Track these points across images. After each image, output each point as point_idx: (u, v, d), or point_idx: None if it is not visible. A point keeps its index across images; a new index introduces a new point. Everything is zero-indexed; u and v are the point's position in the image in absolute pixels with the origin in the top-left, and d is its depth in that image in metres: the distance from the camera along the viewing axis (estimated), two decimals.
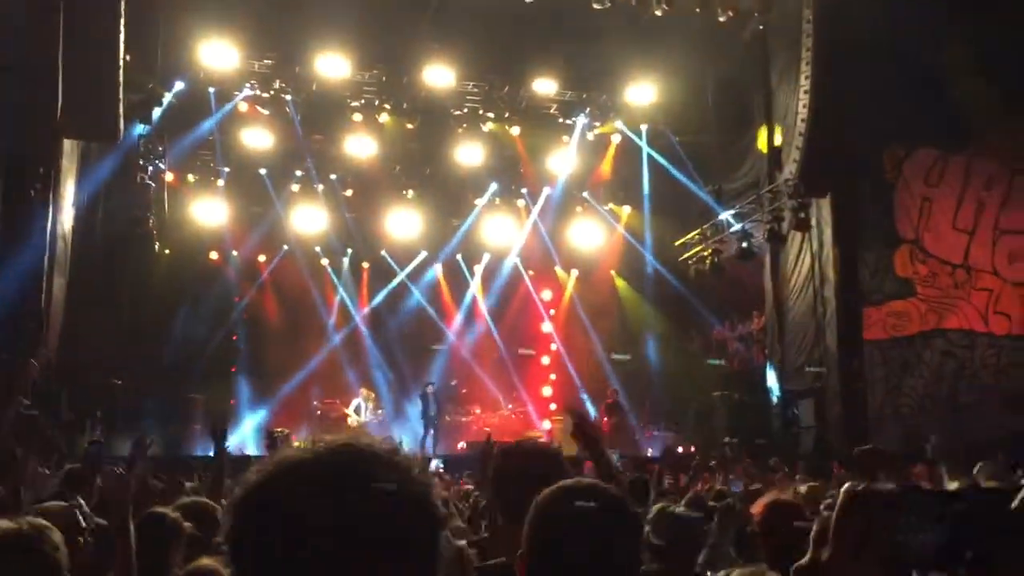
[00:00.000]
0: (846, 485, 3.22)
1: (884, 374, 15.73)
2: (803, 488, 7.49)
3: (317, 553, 1.14)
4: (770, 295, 17.75)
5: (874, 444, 13.71)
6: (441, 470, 12.36)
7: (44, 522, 2.80)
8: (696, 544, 4.27)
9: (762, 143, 17.60)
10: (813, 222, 16.16)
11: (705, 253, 18.69)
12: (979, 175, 16.07)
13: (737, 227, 17.70)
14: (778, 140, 17.00)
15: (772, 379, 17.55)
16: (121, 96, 13.87)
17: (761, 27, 16.82)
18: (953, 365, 15.72)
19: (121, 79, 13.82)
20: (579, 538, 1.97)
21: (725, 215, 18.24)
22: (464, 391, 20.23)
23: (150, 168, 16.53)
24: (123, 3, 13.65)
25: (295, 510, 1.16)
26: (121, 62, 13.70)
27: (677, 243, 19.89)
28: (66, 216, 13.89)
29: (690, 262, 19.29)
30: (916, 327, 15.87)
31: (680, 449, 16.62)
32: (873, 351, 15.77)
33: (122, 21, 13.61)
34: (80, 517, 3.71)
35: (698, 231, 19.19)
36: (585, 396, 20.25)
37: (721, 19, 15.81)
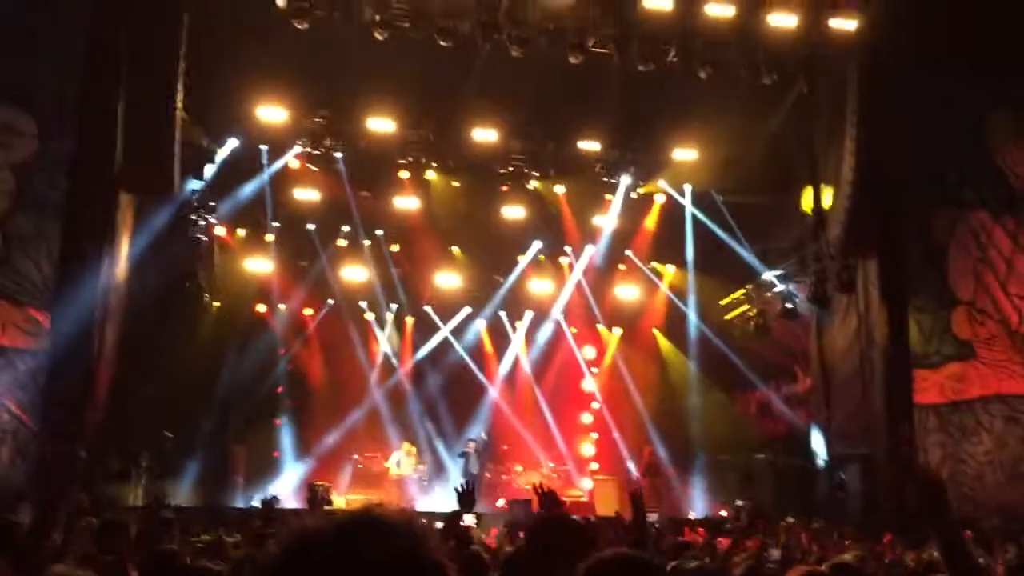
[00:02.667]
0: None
1: (940, 439, 15.37)
2: (848, 556, 7.32)
3: None
4: (816, 357, 17.53)
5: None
6: (475, 525, 12.26)
7: None
8: None
9: (807, 204, 17.55)
10: (860, 283, 15.99)
11: (750, 313, 18.56)
12: None
13: (781, 287, 17.57)
14: (825, 201, 16.94)
15: (818, 442, 17.23)
16: (177, 151, 14.27)
17: (806, 89, 16.88)
18: (1019, 432, 15.35)
19: (178, 135, 14.23)
20: None
21: (770, 275, 18.14)
22: (505, 448, 20.12)
23: (202, 222, 16.90)
24: (182, 62, 14.13)
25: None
26: (178, 119, 14.12)
27: (722, 303, 19.78)
28: (120, 268, 14.21)
29: (734, 322, 19.15)
30: (977, 391, 15.55)
31: (724, 512, 16.34)
32: (929, 415, 15.45)
33: (181, 78, 14.07)
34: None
35: (742, 291, 19.09)
36: (626, 455, 20.03)
37: (766, 81, 15.91)
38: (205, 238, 17.20)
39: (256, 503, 13.24)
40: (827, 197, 16.85)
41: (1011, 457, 15.32)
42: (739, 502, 16.10)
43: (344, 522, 1.26)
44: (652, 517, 14.01)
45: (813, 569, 3.79)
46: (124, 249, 14.38)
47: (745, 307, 18.96)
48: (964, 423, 15.52)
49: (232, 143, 17.65)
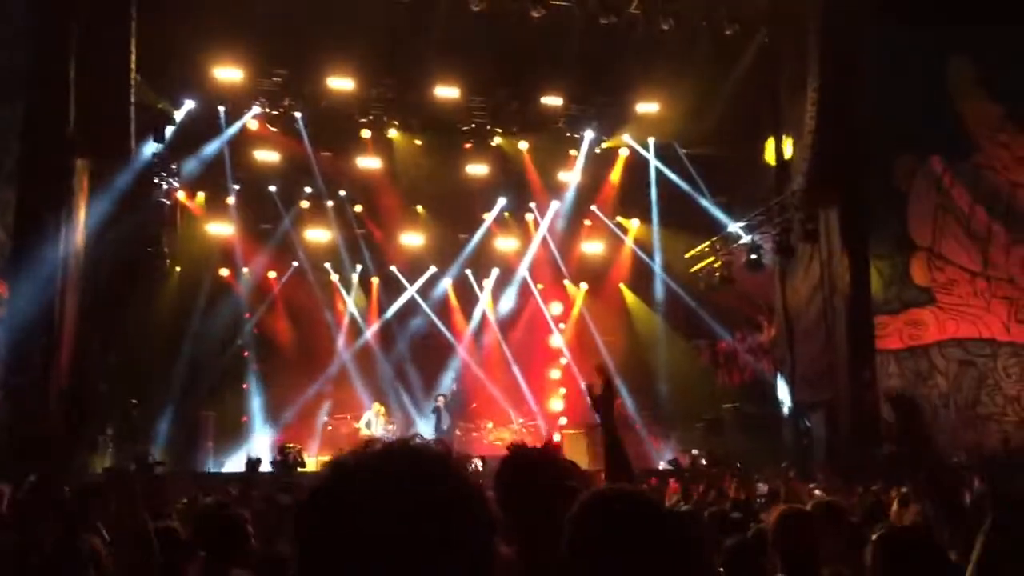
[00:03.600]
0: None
1: (900, 384, 15.69)
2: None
3: (378, 554, 1.16)
4: (780, 306, 17.73)
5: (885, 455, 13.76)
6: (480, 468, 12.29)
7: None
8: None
9: (770, 155, 17.63)
10: (822, 232, 16.15)
11: (715, 265, 18.70)
12: (986, 184, 16.15)
13: (746, 239, 17.71)
14: (787, 151, 17.03)
15: (783, 391, 17.50)
16: (132, 115, 13.97)
17: (767, 39, 16.87)
18: (974, 374, 15.69)
19: (132, 97, 13.92)
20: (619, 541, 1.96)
21: (734, 227, 18.27)
22: (474, 405, 20.22)
23: (163, 186, 16.62)
24: (134, 23, 13.78)
25: (357, 512, 1.19)
26: (132, 81, 13.80)
27: (687, 255, 19.91)
28: (78, 235, 13.96)
29: (699, 274, 19.30)
30: (933, 336, 15.87)
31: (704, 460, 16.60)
32: (888, 360, 15.74)
33: (133, 40, 13.72)
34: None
35: (707, 243, 19.23)
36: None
37: (727, 32, 15.87)
38: (167, 202, 16.93)
39: (227, 467, 13.26)
40: (789, 147, 16.94)
41: (966, 399, 15.68)
42: (694, 451, 16.38)
43: (388, 453, 1.26)
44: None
45: (794, 507, 3.85)
46: (82, 215, 14.10)
47: (710, 259, 19.10)
48: (919, 368, 15.85)
49: (189, 105, 17.32)
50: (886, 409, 15.10)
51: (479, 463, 12.61)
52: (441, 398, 18.38)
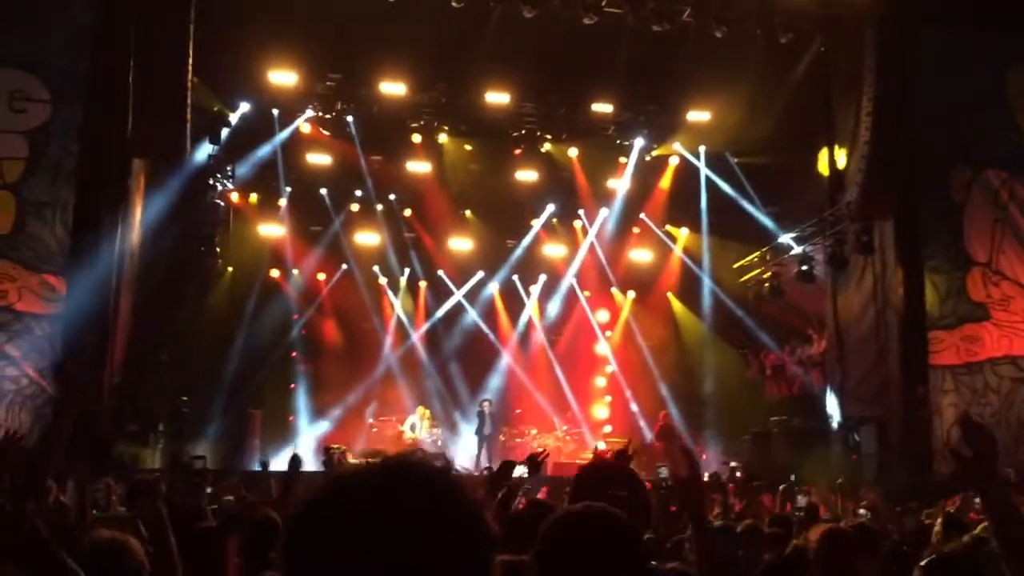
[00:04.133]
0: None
1: (954, 400, 15.35)
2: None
3: (369, 569, 1.15)
4: (831, 319, 17.45)
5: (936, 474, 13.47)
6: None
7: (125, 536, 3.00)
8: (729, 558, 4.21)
9: (823, 165, 17.38)
10: (876, 245, 15.88)
11: (764, 276, 18.48)
12: None
13: (797, 250, 17.48)
14: (840, 162, 16.78)
15: (832, 405, 17.22)
16: (189, 116, 14.22)
17: (822, 48, 16.64)
18: None
19: (189, 100, 14.17)
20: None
21: (785, 238, 18.04)
22: (518, 411, 20.21)
23: (217, 187, 16.90)
24: (192, 26, 14.03)
25: (348, 526, 1.18)
26: (189, 83, 14.05)
27: (736, 266, 19.71)
28: (134, 234, 14.24)
29: (749, 285, 19.09)
30: (988, 352, 15.51)
31: (738, 475, 16.39)
32: (944, 376, 15.40)
33: (190, 43, 13.98)
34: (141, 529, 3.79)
35: (757, 254, 19.01)
36: (640, 418, 20.10)
37: (782, 40, 15.69)
38: (221, 203, 17.21)
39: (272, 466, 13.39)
40: (843, 158, 16.68)
41: (1017, 418, 15.30)
42: (732, 463, 16.18)
43: (382, 467, 1.25)
44: (663, 472, 14.06)
45: (838, 527, 3.80)
46: (138, 215, 14.39)
47: (760, 270, 18.88)
48: (975, 384, 15.49)
49: (243, 107, 17.59)
50: (956, 434, 14.82)
51: (525, 472, 12.58)
52: (487, 403, 18.41)
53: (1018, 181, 15.81)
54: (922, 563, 2.77)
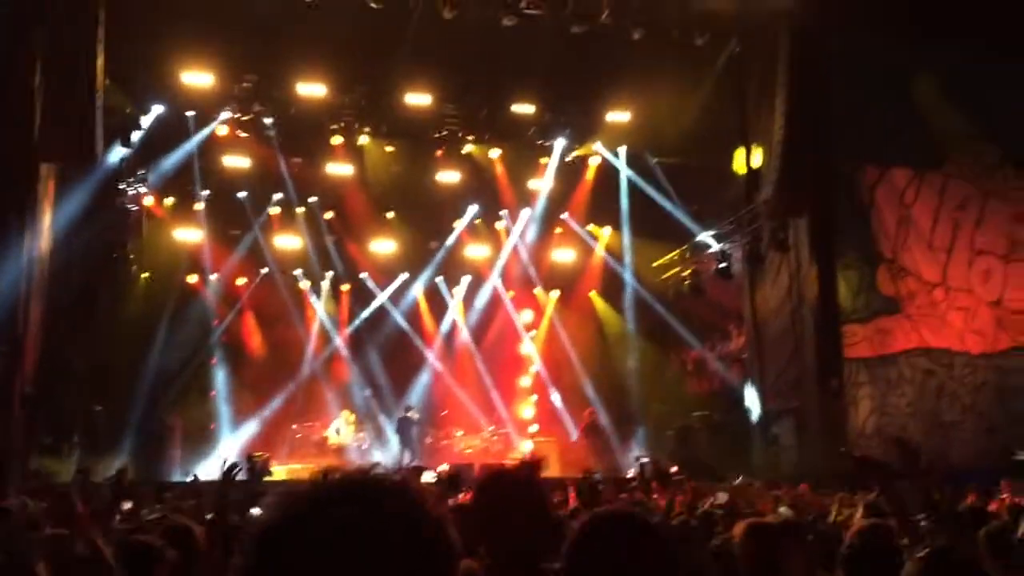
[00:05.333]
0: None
1: (870, 392, 15.85)
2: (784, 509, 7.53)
3: None
4: (749, 315, 17.85)
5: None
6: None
7: None
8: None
9: (740, 164, 17.77)
10: (791, 242, 16.30)
11: (684, 274, 18.81)
12: (953, 195, 16.38)
13: (716, 247, 17.83)
14: (756, 161, 17.17)
15: (752, 398, 17.62)
16: (99, 119, 13.80)
17: (738, 49, 17.02)
18: (935, 383, 15.90)
19: (99, 102, 13.75)
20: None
21: (704, 236, 18.38)
22: (444, 413, 20.16)
23: (129, 192, 16.44)
24: (102, 27, 13.62)
25: (309, 548, 1.15)
26: (100, 85, 13.64)
27: (656, 264, 20.01)
28: (43, 240, 13.78)
29: (670, 282, 19.40)
30: (900, 345, 16.05)
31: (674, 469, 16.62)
32: (859, 368, 15.89)
33: (101, 44, 13.57)
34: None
35: (677, 252, 19.33)
36: (566, 416, 20.24)
37: (698, 42, 15.99)
38: (133, 207, 16.75)
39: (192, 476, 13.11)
40: (758, 157, 17.08)
41: (929, 409, 15.88)
42: (642, 459, 16.43)
43: (341, 486, 1.23)
44: (598, 475, 14.21)
45: (760, 521, 3.87)
46: (47, 220, 13.91)
47: (679, 268, 19.21)
48: (889, 375, 16.02)
49: (158, 109, 17.16)
50: (888, 451, 15.29)
51: (433, 478, 12.60)
52: (412, 410, 18.38)
53: (924, 179, 16.42)
54: (919, 555, 2.85)
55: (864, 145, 16.16)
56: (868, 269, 16.27)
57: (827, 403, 15.52)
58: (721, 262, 17.43)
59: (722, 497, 7.85)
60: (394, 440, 18.79)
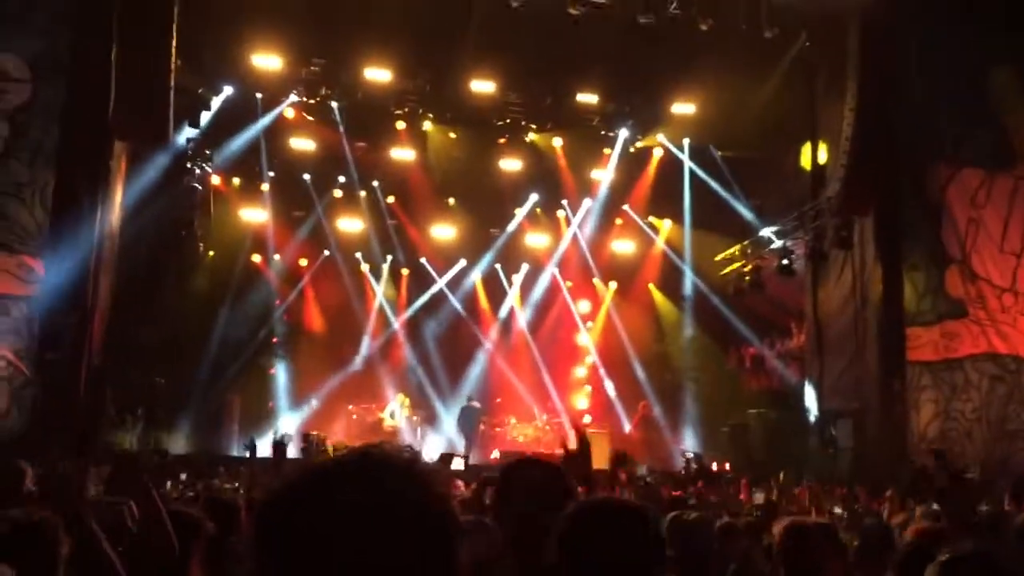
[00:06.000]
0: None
1: (934, 396, 15.49)
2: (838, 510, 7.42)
3: (333, 563, 1.17)
4: (810, 313, 17.58)
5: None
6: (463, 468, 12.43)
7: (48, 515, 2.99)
8: (706, 552, 4.26)
9: (806, 160, 17.48)
10: (856, 240, 15.99)
11: (745, 269, 18.58)
12: None
13: (778, 244, 17.57)
14: (822, 157, 16.87)
15: (810, 398, 17.36)
16: (171, 99, 14.11)
17: (808, 43, 16.70)
18: (1003, 390, 15.49)
19: (172, 83, 14.06)
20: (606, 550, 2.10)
21: (766, 232, 18.13)
22: (498, 400, 20.26)
23: (197, 171, 16.79)
24: (176, 7, 13.92)
25: (313, 520, 1.19)
26: (172, 66, 13.94)
27: (717, 258, 19.80)
28: (114, 216, 14.15)
29: (730, 277, 19.18)
30: (967, 349, 15.65)
31: (715, 466, 16.50)
32: (922, 372, 15.54)
33: (174, 25, 13.86)
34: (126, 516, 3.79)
35: (738, 247, 19.10)
36: (620, 409, 20.19)
37: (767, 35, 15.73)
38: (200, 187, 17.11)
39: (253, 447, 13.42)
40: (825, 154, 16.78)
41: (996, 415, 15.47)
42: (688, 453, 16.28)
43: (344, 463, 1.25)
44: (642, 470, 14.20)
45: (799, 520, 3.84)
46: (118, 197, 14.28)
47: (740, 263, 18.98)
48: (955, 380, 15.63)
49: (227, 91, 17.47)
50: (934, 429, 15.00)
51: (462, 464, 12.68)
52: (474, 400, 18.62)
53: (995, 181, 15.95)
54: (940, 559, 2.82)
55: (936, 143, 15.75)
56: (936, 271, 15.86)
57: (888, 406, 15.23)
58: (783, 259, 17.17)
59: (759, 498, 7.77)
60: (450, 425, 18.98)
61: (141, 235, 15.12)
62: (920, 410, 15.44)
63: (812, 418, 17.20)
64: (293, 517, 1.21)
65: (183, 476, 7.44)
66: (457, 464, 13.31)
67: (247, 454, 13.54)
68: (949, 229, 15.83)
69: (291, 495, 1.23)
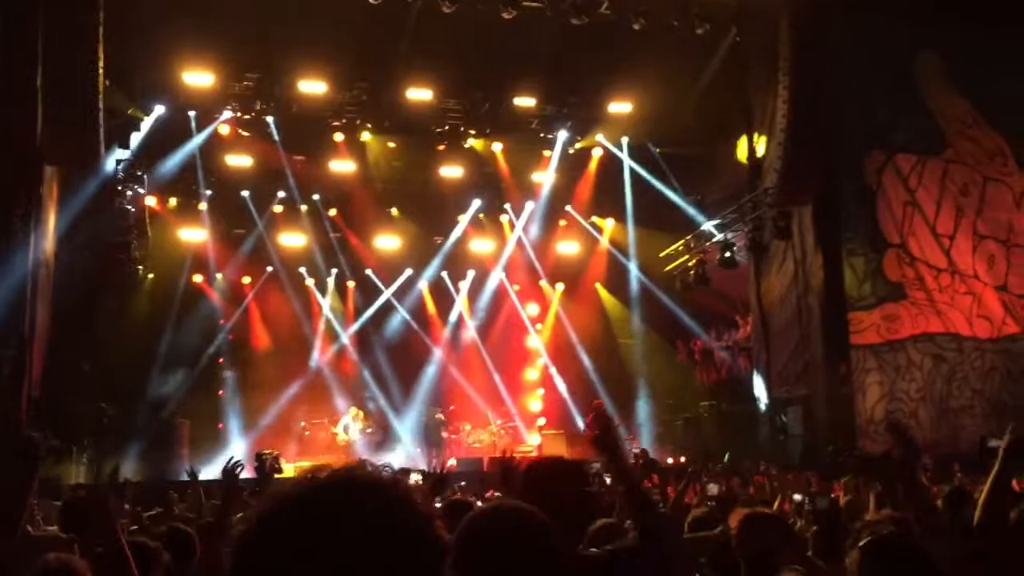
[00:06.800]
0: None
1: (879, 378, 15.81)
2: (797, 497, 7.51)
3: None
4: (755, 304, 17.83)
5: (863, 450, 13.88)
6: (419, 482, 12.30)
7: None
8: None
9: (742, 153, 17.73)
10: (795, 230, 16.26)
11: (690, 264, 18.78)
12: (955, 181, 16.33)
13: (719, 237, 17.80)
14: (759, 150, 17.13)
15: (759, 387, 17.60)
16: (101, 121, 13.82)
17: (738, 38, 16.96)
18: (944, 369, 15.87)
19: (101, 104, 13.77)
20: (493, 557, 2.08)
21: (708, 225, 18.35)
22: (452, 407, 20.18)
23: (129, 193, 16.46)
24: (101, 28, 13.63)
25: (293, 548, 1.15)
26: (100, 87, 13.65)
27: (661, 254, 19.98)
28: (48, 243, 13.81)
29: (675, 273, 19.37)
30: (908, 330, 16.00)
31: (670, 460, 16.65)
32: (867, 355, 15.85)
33: (100, 46, 13.57)
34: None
35: (682, 242, 19.30)
36: (573, 409, 20.25)
37: (698, 31, 15.94)
38: (133, 209, 16.76)
39: (204, 475, 13.13)
40: (761, 146, 17.04)
41: (940, 394, 15.85)
42: (635, 449, 16.43)
43: (325, 486, 1.22)
44: (597, 466, 14.22)
45: (755, 510, 3.88)
46: (51, 223, 13.95)
47: (685, 258, 19.18)
48: (898, 362, 15.98)
49: (159, 110, 17.17)
50: (881, 411, 15.27)
51: (419, 479, 12.60)
52: (439, 413, 18.50)
53: (927, 165, 16.37)
54: (861, 544, 2.86)
55: (869, 131, 16.10)
56: (875, 255, 16.21)
57: (835, 391, 15.50)
58: (725, 251, 17.39)
59: (713, 489, 7.84)
60: (406, 438, 18.85)
61: (76, 261, 14.76)
62: (866, 393, 15.75)
63: (763, 407, 17.44)
64: (269, 545, 1.17)
65: (137, 507, 7.30)
66: (415, 478, 13.16)
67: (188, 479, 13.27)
68: (885, 214, 16.19)
69: (266, 522, 1.19)
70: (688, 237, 19.10)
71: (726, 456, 12.83)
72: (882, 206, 16.22)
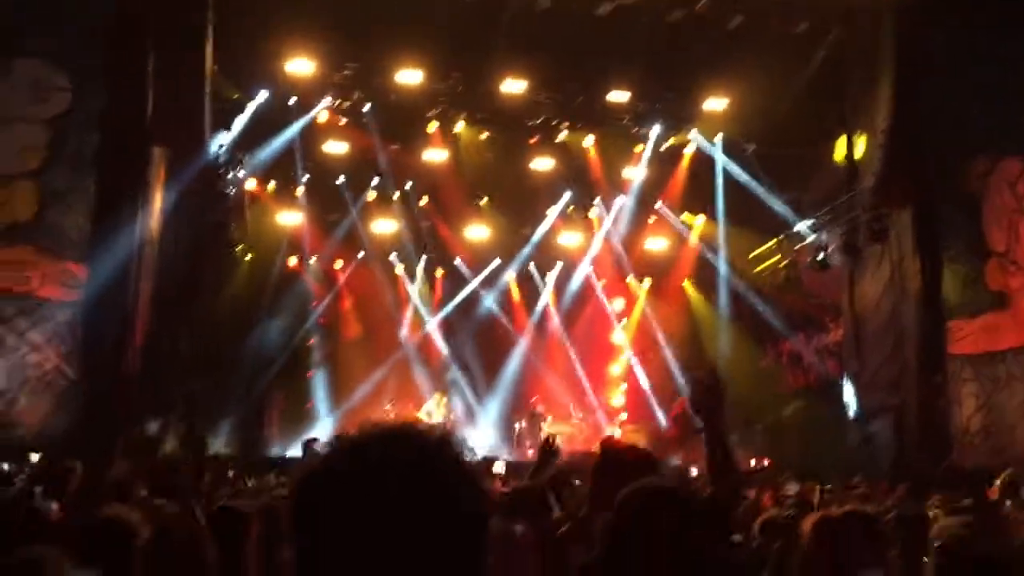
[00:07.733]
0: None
1: (974, 390, 15.27)
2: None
3: (369, 533, 1.21)
4: (847, 307, 17.40)
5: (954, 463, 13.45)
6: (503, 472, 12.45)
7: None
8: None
9: (840, 154, 17.31)
10: (892, 234, 15.82)
11: (781, 264, 18.45)
12: None
13: (813, 238, 17.44)
14: (858, 151, 16.71)
15: (849, 393, 17.20)
16: (207, 105, 14.32)
17: (840, 36, 16.55)
18: None
19: (208, 88, 14.26)
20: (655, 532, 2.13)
21: (801, 226, 17.99)
22: (534, 399, 20.29)
23: (230, 175, 17.00)
24: (210, 14, 14.11)
25: (349, 490, 1.23)
26: (208, 72, 14.14)
27: (752, 255, 19.67)
28: (153, 222, 14.37)
29: (765, 273, 19.06)
30: (1008, 342, 15.42)
31: (752, 462, 16.42)
32: (964, 365, 15.33)
33: (209, 31, 14.06)
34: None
35: (774, 242, 18.96)
36: (655, 406, 20.15)
37: (799, 29, 15.63)
38: (235, 191, 17.30)
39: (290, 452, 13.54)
40: (860, 147, 16.61)
41: None
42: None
43: (379, 435, 1.29)
44: (676, 462, 14.20)
45: (827, 514, 3.83)
46: (157, 203, 14.51)
47: (776, 258, 18.85)
48: (997, 374, 15.39)
49: (262, 96, 17.67)
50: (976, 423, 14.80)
51: (503, 468, 12.71)
52: (539, 407, 18.68)
53: None
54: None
55: (973, 134, 15.53)
56: (976, 262, 15.64)
57: (929, 401, 15.05)
58: (818, 253, 17.04)
59: (791, 488, 7.70)
60: (485, 420, 19.08)
61: (179, 240, 15.33)
62: (962, 404, 15.24)
63: (851, 414, 17.04)
64: (324, 487, 1.26)
65: (230, 474, 7.61)
66: (499, 468, 13.31)
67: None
68: (990, 221, 15.60)
69: (323, 465, 1.28)
70: (780, 237, 18.75)
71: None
72: (987, 213, 15.64)
